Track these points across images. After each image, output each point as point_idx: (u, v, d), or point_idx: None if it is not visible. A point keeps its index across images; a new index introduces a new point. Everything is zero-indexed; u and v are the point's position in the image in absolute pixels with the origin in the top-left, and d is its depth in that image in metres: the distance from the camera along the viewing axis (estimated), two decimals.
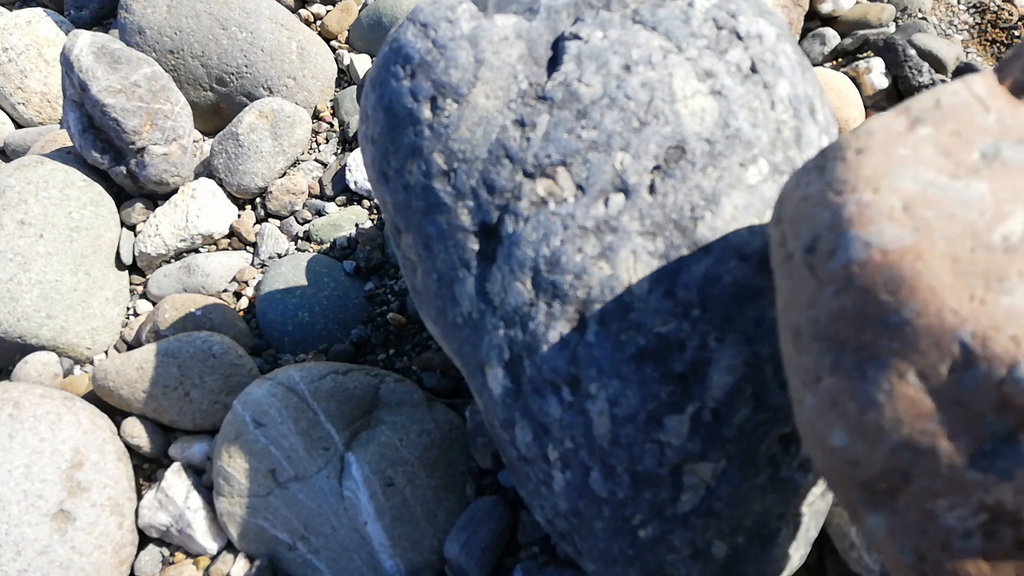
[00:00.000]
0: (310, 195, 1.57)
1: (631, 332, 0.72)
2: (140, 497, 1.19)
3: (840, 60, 1.51)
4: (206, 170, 1.59)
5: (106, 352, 1.40)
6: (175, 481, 1.16)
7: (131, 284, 1.49)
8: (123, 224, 1.51)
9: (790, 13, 1.47)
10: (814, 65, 1.52)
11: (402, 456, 1.09)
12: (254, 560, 1.11)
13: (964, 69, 1.43)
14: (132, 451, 1.23)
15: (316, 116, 1.69)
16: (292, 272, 1.39)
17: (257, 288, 1.42)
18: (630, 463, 0.73)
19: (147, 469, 1.24)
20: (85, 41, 1.41)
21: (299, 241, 1.51)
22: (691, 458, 0.72)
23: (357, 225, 1.49)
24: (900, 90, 1.43)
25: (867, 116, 1.41)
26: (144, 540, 1.17)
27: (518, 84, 0.77)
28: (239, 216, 1.54)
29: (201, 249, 1.51)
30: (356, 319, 1.36)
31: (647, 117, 0.74)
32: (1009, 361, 0.45)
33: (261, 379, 1.15)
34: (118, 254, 1.47)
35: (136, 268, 1.51)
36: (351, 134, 1.63)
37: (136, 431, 1.21)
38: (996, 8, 1.57)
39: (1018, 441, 0.46)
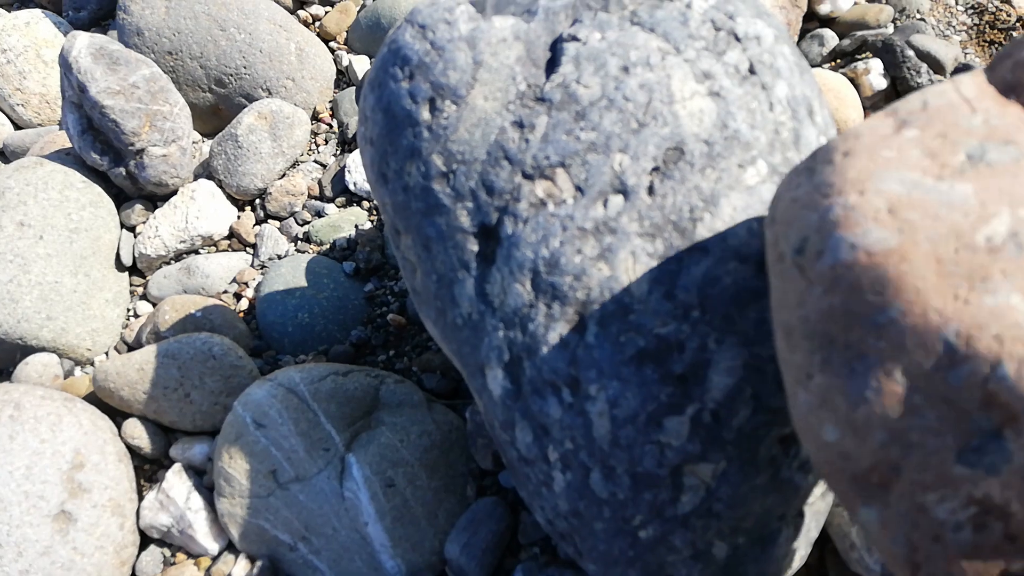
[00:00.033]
0: (309, 196, 1.57)
1: (631, 333, 0.72)
2: (141, 498, 1.19)
3: (838, 61, 1.51)
4: (205, 171, 1.59)
5: (106, 353, 1.40)
6: (176, 482, 1.16)
7: (131, 285, 1.49)
8: (123, 225, 1.51)
9: (788, 14, 1.47)
10: (812, 66, 1.52)
11: (402, 457, 1.09)
12: (255, 561, 1.11)
13: (962, 70, 1.43)
14: (133, 452, 1.23)
15: (315, 117, 1.69)
16: (292, 273, 1.39)
17: (257, 289, 1.42)
18: (630, 464, 0.73)
19: (148, 470, 1.24)
20: (83, 42, 1.41)
21: (299, 242, 1.51)
22: (691, 459, 0.72)
23: (357, 226, 1.49)
24: (899, 91, 1.44)
25: (866, 117, 1.42)
26: (145, 541, 1.18)
27: (516, 86, 0.77)
28: (239, 217, 1.54)
29: (201, 250, 1.51)
30: (356, 320, 1.37)
31: (645, 118, 0.74)
32: (992, 360, 0.46)
33: (261, 380, 1.15)
34: (118, 255, 1.47)
35: (136, 269, 1.51)
36: (350, 135, 1.63)
37: (137, 432, 1.22)
38: (994, 9, 1.57)
39: (1004, 438, 0.47)
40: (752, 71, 0.77)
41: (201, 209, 1.50)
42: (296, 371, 1.15)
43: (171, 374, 1.19)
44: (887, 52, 1.43)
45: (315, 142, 1.65)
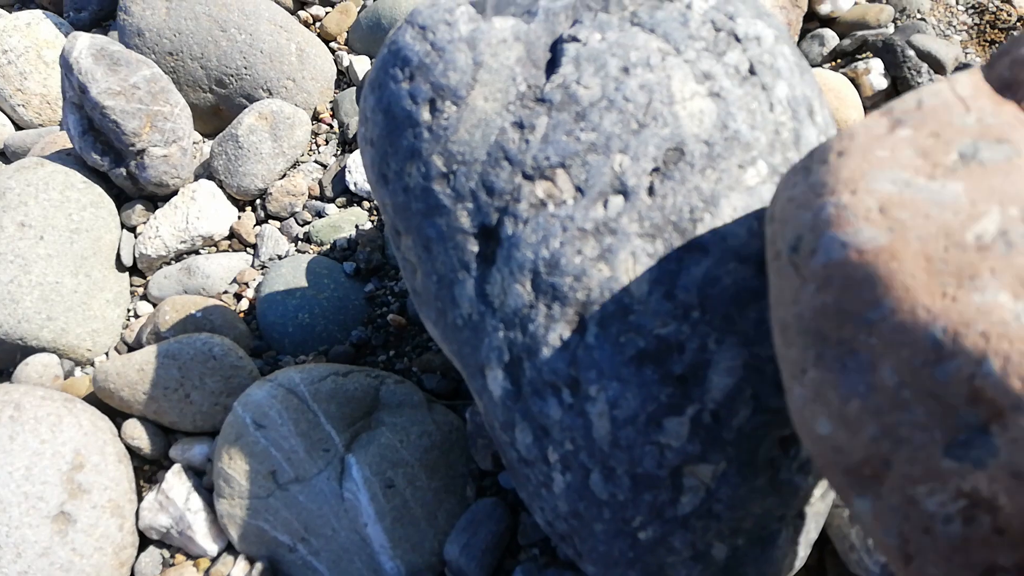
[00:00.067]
0: (310, 196, 1.57)
1: (631, 334, 0.72)
2: (141, 499, 1.19)
3: (839, 61, 1.51)
4: (206, 172, 1.59)
5: (107, 354, 1.40)
6: (175, 483, 1.16)
7: (131, 286, 1.49)
8: (123, 226, 1.52)
9: (788, 14, 1.47)
10: (813, 66, 1.52)
11: (402, 458, 1.09)
12: (254, 562, 1.11)
13: (962, 70, 1.43)
14: (133, 453, 1.23)
15: (316, 118, 1.69)
16: (292, 274, 1.39)
17: (257, 290, 1.42)
18: (630, 465, 0.73)
19: (147, 471, 1.24)
20: (84, 43, 1.41)
21: (299, 243, 1.51)
22: (691, 460, 0.72)
23: (357, 226, 1.49)
24: (899, 91, 1.43)
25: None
26: (144, 542, 1.18)
27: (517, 86, 0.77)
28: (239, 218, 1.54)
29: (201, 251, 1.51)
30: (356, 320, 1.36)
31: (646, 119, 0.74)
32: (978, 356, 0.47)
33: (261, 381, 1.15)
34: (118, 256, 1.47)
35: (136, 270, 1.51)
36: (351, 136, 1.63)
37: (137, 433, 1.22)
38: (995, 9, 1.57)
39: (990, 432, 0.48)
40: (752, 71, 0.77)
41: (202, 209, 1.50)
42: (296, 371, 1.15)
43: (171, 374, 1.19)
44: (888, 52, 1.43)
45: (315, 142, 1.65)
